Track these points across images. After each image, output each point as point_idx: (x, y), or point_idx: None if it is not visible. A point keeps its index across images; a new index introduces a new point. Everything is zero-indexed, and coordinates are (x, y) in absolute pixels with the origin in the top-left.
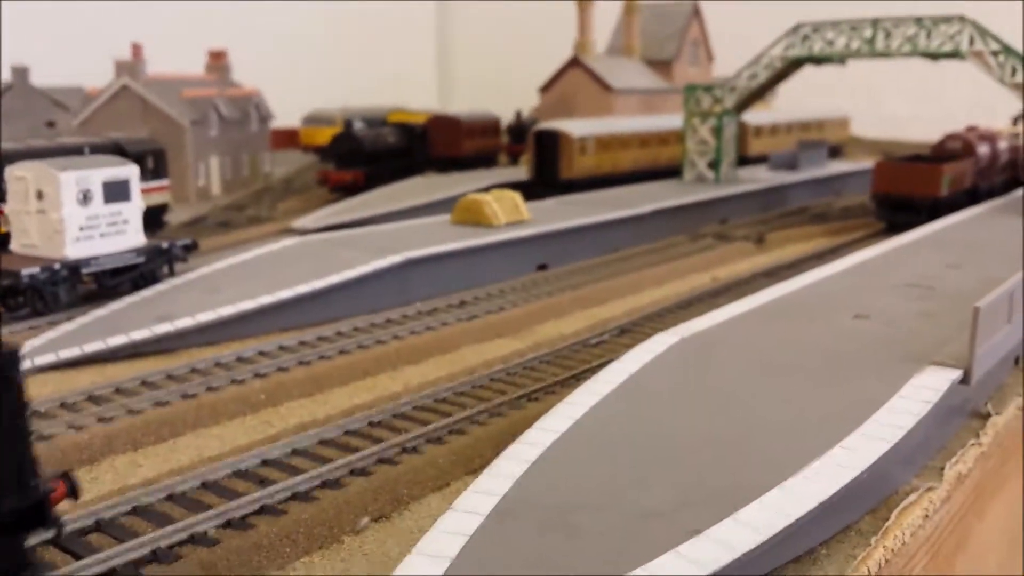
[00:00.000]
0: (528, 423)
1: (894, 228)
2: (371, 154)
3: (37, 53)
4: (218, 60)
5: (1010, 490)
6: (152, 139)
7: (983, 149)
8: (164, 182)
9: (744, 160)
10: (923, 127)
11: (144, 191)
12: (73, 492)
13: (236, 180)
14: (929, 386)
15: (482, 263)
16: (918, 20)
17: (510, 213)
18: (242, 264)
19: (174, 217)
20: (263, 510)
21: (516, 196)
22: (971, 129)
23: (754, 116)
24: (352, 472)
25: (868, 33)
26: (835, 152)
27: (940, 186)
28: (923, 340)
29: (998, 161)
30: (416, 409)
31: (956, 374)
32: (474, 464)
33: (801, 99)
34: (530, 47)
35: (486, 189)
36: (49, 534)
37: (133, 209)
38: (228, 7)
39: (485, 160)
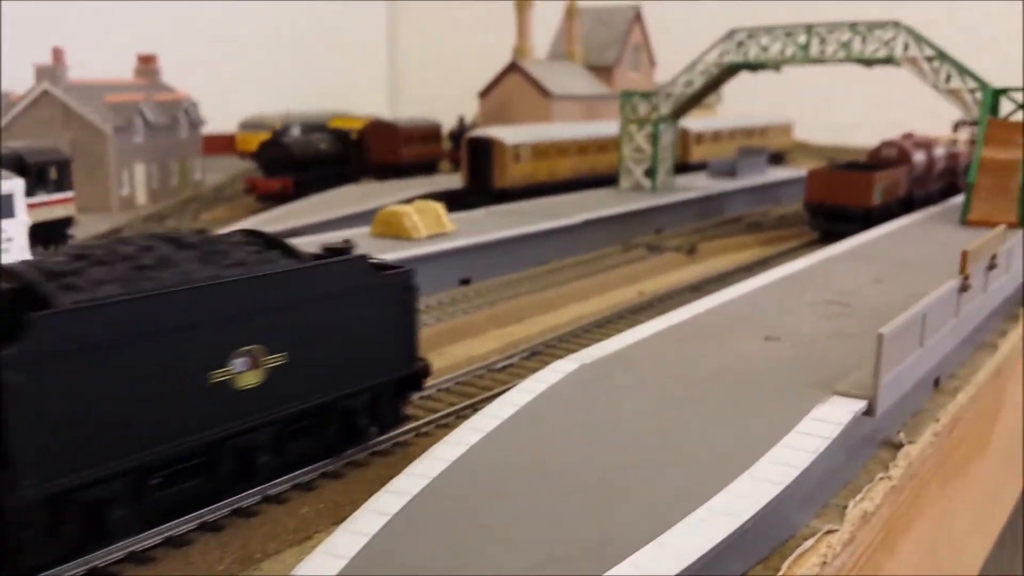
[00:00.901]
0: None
1: (828, 237)
2: (300, 161)
3: None
4: (147, 64)
5: (926, 522)
6: (56, 148)
7: (919, 156)
8: (68, 194)
9: (686, 167)
10: (869, 133)
11: (46, 204)
12: (428, 370)
13: (164, 188)
14: (829, 419)
15: None
16: (852, 26)
17: (432, 225)
18: None
19: (90, 228)
20: None
21: (439, 207)
22: (907, 136)
23: (696, 122)
24: (204, 527)
25: (803, 39)
26: (779, 159)
27: (872, 195)
28: (832, 365)
29: (935, 168)
30: None
31: (859, 405)
32: (344, 513)
33: (750, 105)
34: (481, 51)
35: (410, 200)
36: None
37: (17, 226)
38: (174, 10)
39: (425, 167)
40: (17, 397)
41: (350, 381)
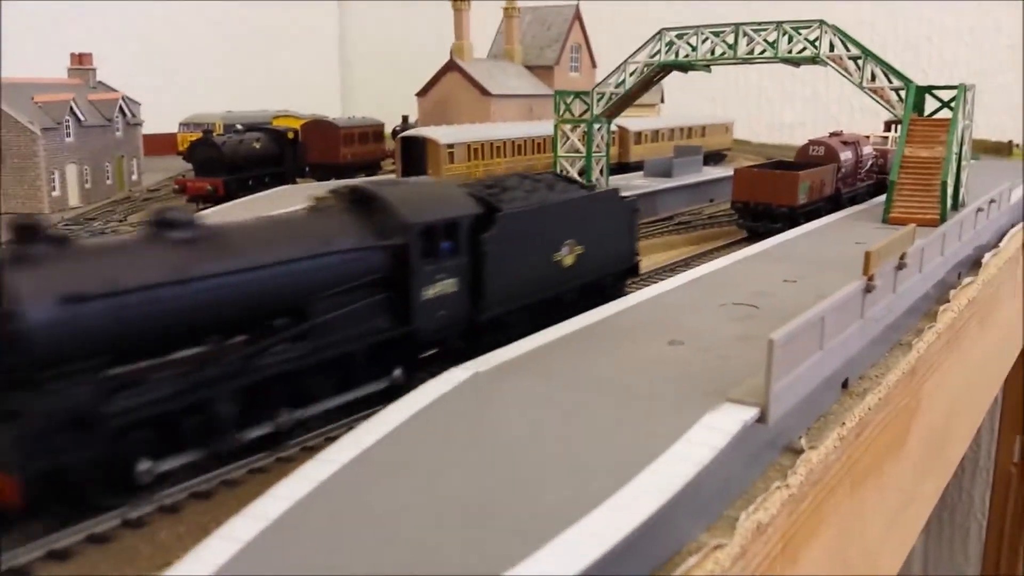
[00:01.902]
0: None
1: (755, 236)
2: (232, 162)
3: None
4: (82, 63)
5: (833, 530)
6: None
7: (846, 155)
8: None
9: (625, 167)
10: (809, 131)
11: None
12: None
13: (97, 189)
14: (718, 428)
15: None
16: (779, 25)
17: None
18: None
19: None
20: None
21: None
22: (835, 135)
23: (636, 122)
24: (52, 555)
25: (731, 39)
26: (719, 158)
27: (797, 194)
28: (732, 370)
29: (862, 166)
30: None
31: (751, 413)
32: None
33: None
34: (433, 51)
35: None
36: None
37: None
38: (124, 8)
39: (367, 167)
40: (489, 260)
41: (607, 266)
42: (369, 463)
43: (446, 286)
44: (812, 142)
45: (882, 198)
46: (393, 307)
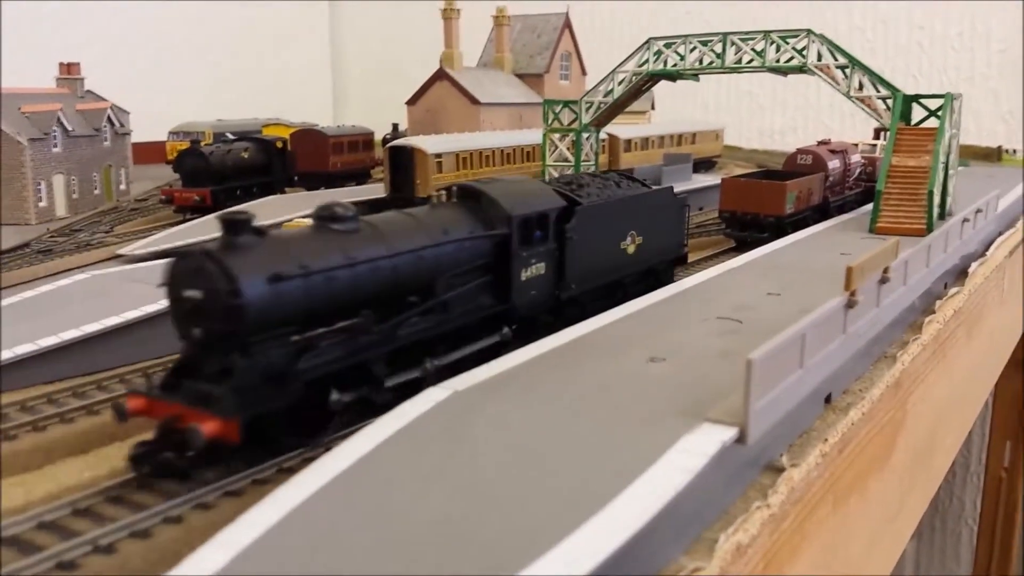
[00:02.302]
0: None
1: (743, 245)
2: (219, 172)
3: None
4: (70, 72)
5: (816, 547)
6: None
7: (834, 163)
8: None
9: None
10: (800, 137)
11: None
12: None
13: (85, 199)
14: (696, 451)
15: None
16: (767, 34)
17: None
18: (11, 307)
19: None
20: None
21: None
22: (823, 143)
23: (626, 129)
24: None
25: (719, 48)
26: (709, 165)
27: (784, 203)
28: (712, 388)
29: (851, 175)
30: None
31: (730, 433)
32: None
33: (688, 112)
34: (425, 58)
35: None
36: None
37: None
38: (115, 15)
39: (357, 175)
40: (570, 247)
41: (661, 254)
42: (341, 488)
43: (537, 269)
44: (800, 151)
45: (870, 206)
46: (496, 287)
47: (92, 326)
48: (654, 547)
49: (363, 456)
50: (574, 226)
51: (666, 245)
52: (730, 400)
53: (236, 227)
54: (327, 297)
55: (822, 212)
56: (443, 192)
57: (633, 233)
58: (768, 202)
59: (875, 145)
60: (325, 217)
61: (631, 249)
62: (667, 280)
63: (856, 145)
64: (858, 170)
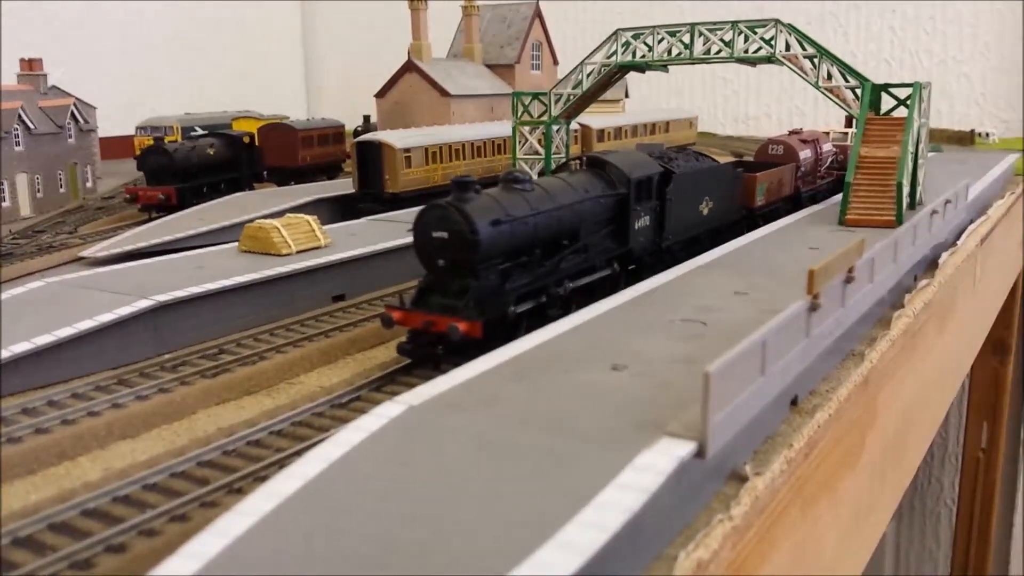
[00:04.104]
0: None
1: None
2: (184, 169)
3: None
4: (32, 68)
5: (784, 554)
6: None
7: (806, 153)
8: None
9: None
10: (774, 123)
11: None
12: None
13: (50, 198)
14: (652, 469)
15: (263, 299)
16: (734, 24)
17: (303, 240)
18: None
19: None
20: None
21: (311, 220)
22: (794, 132)
23: (599, 119)
24: None
25: (687, 38)
26: None
27: (755, 195)
28: (672, 398)
29: (822, 164)
30: (114, 502)
31: (688, 449)
32: None
33: (663, 100)
34: (398, 51)
35: (281, 213)
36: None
37: None
38: (87, 8)
39: (327, 169)
40: (668, 205)
41: (723, 217)
42: (286, 513)
43: (645, 221)
44: (771, 141)
45: (839, 198)
46: (617, 234)
47: (43, 338)
48: (611, 570)
49: (311, 479)
50: (672, 189)
51: (728, 209)
52: (690, 412)
53: (465, 187)
54: (520, 237)
55: (794, 202)
56: (577, 160)
57: (707, 198)
58: (739, 194)
59: (847, 133)
60: (510, 180)
61: (706, 211)
62: (730, 237)
63: (828, 134)
64: (830, 159)
